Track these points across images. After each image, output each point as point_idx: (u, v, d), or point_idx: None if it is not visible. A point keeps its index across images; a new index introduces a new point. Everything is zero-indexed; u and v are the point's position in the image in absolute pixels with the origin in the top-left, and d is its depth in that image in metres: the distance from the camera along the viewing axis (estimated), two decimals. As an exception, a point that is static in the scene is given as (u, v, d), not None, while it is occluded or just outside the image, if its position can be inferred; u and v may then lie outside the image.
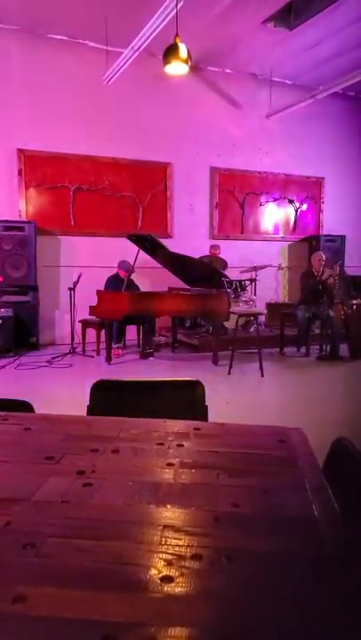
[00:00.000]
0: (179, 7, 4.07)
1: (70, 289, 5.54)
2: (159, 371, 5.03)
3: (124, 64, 5.44)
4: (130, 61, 5.38)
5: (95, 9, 5.26)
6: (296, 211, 7.75)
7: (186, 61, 4.18)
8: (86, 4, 5.17)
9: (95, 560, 0.70)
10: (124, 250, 5.67)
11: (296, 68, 6.84)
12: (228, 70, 7.00)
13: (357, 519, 0.91)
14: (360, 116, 8.02)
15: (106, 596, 0.62)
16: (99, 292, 5.33)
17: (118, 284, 5.66)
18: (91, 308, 5.36)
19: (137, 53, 5.21)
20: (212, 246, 6.69)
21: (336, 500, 0.87)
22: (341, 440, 1.10)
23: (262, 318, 6.47)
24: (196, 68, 6.48)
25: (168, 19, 4.40)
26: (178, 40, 4.09)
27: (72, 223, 6.28)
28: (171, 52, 4.15)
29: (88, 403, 1.53)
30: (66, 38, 6.01)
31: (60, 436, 1.16)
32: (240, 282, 5.76)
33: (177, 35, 4.06)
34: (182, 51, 4.11)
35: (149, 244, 5.39)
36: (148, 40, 4.91)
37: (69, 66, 6.04)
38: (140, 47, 5.07)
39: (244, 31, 5.80)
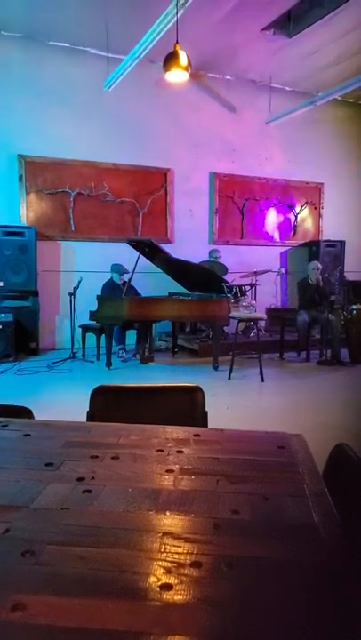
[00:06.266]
0: (179, 15, 4.11)
1: (70, 294, 5.55)
2: (159, 376, 5.03)
3: (125, 71, 5.48)
4: (131, 68, 5.41)
5: (96, 16, 5.30)
6: (296, 216, 7.78)
7: (186, 69, 4.20)
8: (87, 11, 5.22)
9: (94, 568, 0.70)
10: (124, 255, 5.69)
11: (295, 74, 6.89)
12: (227, 77, 7.04)
13: (357, 525, 0.91)
14: (359, 122, 8.07)
15: (105, 605, 0.62)
16: (99, 298, 5.34)
17: (114, 289, 5.67)
18: (91, 313, 5.37)
19: (138, 60, 5.25)
20: (212, 250, 6.71)
21: (336, 506, 0.87)
22: (341, 446, 1.10)
23: (262, 323, 6.47)
24: (196, 75, 6.52)
25: (168, 26, 4.43)
26: (178, 48, 4.12)
27: (72, 228, 6.29)
28: (171, 59, 4.17)
29: (88, 408, 1.53)
30: (67, 45, 6.05)
31: (59, 443, 1.16)
32: (240, 287, 5.77)
33: (177, 42, 4.09)
34: (182, 58, 4.14)
35: (149, 250, 5.40)
36: (149, 47, 4.94)
37: (71, 72, 6.08)
38: (140, 54, 5.11)
39: (244, 38, 5.84)
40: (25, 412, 1.45)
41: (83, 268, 6.15)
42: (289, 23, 5.55)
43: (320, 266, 5.87)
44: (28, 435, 1.21)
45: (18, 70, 5.87)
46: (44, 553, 0.72)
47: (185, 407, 1.55)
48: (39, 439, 1.20)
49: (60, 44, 6.02)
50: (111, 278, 5.82)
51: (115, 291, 5.68)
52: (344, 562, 0.72)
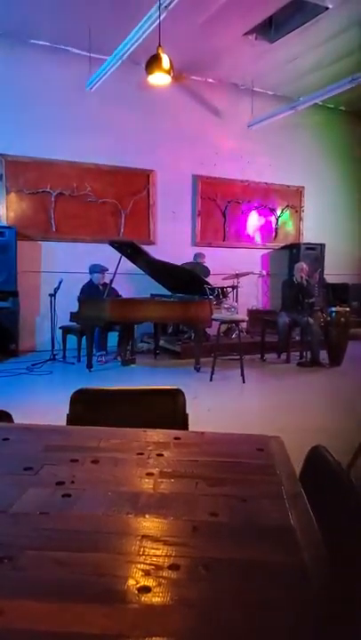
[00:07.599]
0: (162, 17, 4.12)
1: (51, 295, 5.49)
2: (141, 378, 5.02)
3: (108, 71, 5.46)
4: (113, 69, 5.40)
5: (79, 15, 5.27)
6: (277, 219, 7.87)
7: (168, 72, 4.21)
8: (70, 10, 5.18)
9: (73, 572, 0.70)
10: (106, 256, 5.66)
11: (277, 79, 6.98)
12: (210, 80, 7.09)
13: (332, 526, 0.93)
14: (339, 127, 8.22)
15: (83, 609, 0.62)
16: (80, 299, 5.30)
17: (93, 290, 5.62)
18: (72, 314, 5.33)
19: (120, 61, 5.23)
20: (197, 254, 6.74)
21: (312, 508, 0.89)
22: (318, 448, 1.13)
23: (244, 325, 6.52)
24: (179, 77, 6.54)
25: (151, 28, 4.44)
26: (161, 51, 4.13)
27: (53, 229, 6.23)
28: (153, 62, 4.18)
29: (68, 411, 1.52)
30: (49, 44, 6.00)
31: (39, 447, 1.16)
32: (222, 289, 5.80)
33: (159, 45, 4.10)
34: (165, 61, 4.14)
35: (131, 251, 5.39)
36: (132, 49, 4.94)
37: (52, 72, 6.03)
38: (123, 55, 5.10)
39: (227, 42, 5.89)
40: (4, 416, 1.44)
41: (64, 268, 6.09)
42: (271, 29, 5.62)
43: (305, 266, 5.95)
44: (7, 439, 1.20)
45: (-2, 68, 5.79)
46: (22, 558, 0.72)
47: (166, 410, 1.56)
48: (18, 443, 1.19)
49: (40, 42, 5.96)
50: (90, 280, 5.76)
51: (93, 292, 5.61)
52: (319, 562, 0.74)
